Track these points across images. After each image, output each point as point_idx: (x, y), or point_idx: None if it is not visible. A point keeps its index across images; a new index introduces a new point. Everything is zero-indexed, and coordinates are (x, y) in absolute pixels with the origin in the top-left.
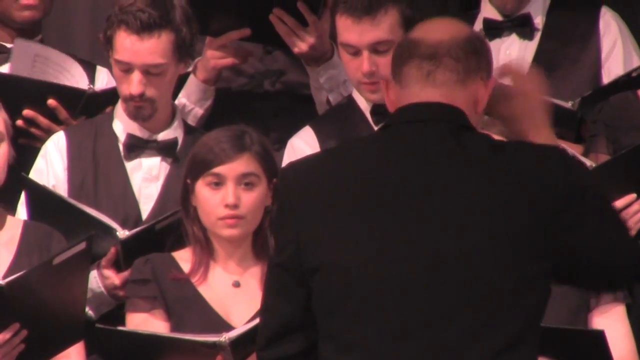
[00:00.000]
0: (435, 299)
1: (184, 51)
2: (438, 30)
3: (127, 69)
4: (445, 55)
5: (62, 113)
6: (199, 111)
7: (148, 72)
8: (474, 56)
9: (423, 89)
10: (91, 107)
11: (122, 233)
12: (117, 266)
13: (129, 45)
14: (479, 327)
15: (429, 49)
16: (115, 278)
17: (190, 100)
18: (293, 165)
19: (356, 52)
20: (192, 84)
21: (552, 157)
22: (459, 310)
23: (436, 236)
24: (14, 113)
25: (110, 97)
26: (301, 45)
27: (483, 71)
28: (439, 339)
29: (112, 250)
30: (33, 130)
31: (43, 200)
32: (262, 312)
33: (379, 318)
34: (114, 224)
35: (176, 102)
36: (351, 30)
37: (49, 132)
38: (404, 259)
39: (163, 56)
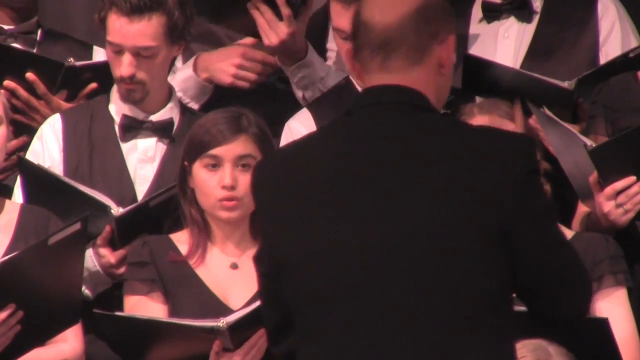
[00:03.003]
0: (394, 284)
1: (176, 34)
2: (386, 8)
3: (118, 50)
4: (394, 42)
5: (40, 87)
6: (194, 106)
7: (139, 54)
8: (426, 28)
9: (378, 77)
10: (72, 81)
11: (117, 210)
12: (113, 244)
13: (119, 27)
14: (437, 311)
15: (378, 37)
16: (110, 256)
17: (187, 95)
18: (263, 159)
19: (347, 37)
20: (191, 81)
21: (519, 145)
22: (418, 293)
23: (392, 220)
24: None
25: (92, 72)
26: (272, 38)
27: (440, 34)
28: (399, 325)
29: (107, 228)
30: (14, 101)
31: (38, 181)
32: (262, 310)
33: (343, 308)
34: (108, 202)
35: None
36: (342, 16)
37: (27, 105)
38: (362, 246)
39: (153, 39)
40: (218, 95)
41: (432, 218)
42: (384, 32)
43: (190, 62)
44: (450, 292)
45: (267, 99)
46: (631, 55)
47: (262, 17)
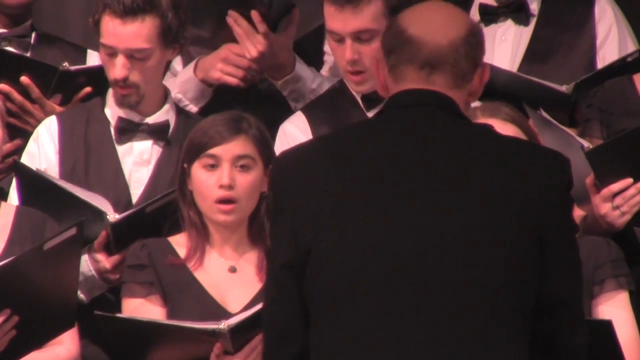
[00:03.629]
0: (430, 281)
1: (170, 37)
2: (437, 29)
3: (112, 52)
4: (445, 63)
5: (35, 91)
6: (193, 108)
7: (132, 56)
8: (470, 56)
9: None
10: (66, 86)
11: (112, 216)
12: (108, 250)
13: (112, 29)
14: (469, 310)
15: (429, 55)
16: (106, 262)
17: (187, 97)
18: (287, 152)
19: (340, 39)
20: (191, 82)
21: (560, 161)
22: (453, 291)
23: (433, 219)
24: None
25: (87, 76)
26: (251, 50)
27: (478, 66)
28: (431, 321)
29: (103, 233)
30: (8, 105)
31: (34, 184)
32: (267, 311)
33: (375, 300)
34: (104, 207)
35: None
36: (335, 18)
37: (22, 109)
38: (401, 242)
39: (147, 41)
40: (218, 100)
41: (469, 218)
42: (436, 52)
43: (192, 64)
44: (486, 294)
45: (266, 103)
46: (629, 59)
47: (240, 29)
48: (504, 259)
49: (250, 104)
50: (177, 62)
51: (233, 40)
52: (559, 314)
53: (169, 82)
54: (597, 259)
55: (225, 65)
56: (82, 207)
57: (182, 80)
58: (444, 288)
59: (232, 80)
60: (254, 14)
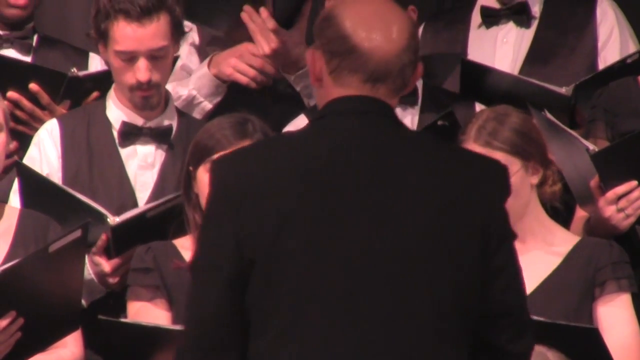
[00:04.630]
0: (373, 290)
1: (180, 31)
2: (383, 39)
3: (131, 58)
4: (391, 74)
5: (44, 98)
6: (207, 105)
7: (152, 56)
8: (414, 62)
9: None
10: (75, 91)
11: (113, 220)
12: (107, 253)
13: (132, 34)
14: (413, 319)
15: (376, 67)
16: (105, 265)
17: (201, 93)
18: (227, 157)
19: None
20: (205, 78)
21: (493, 172)
22: (395, 303)
23: (377, 230)
24: None
25: (95, 81)
26: (264, 47)
27: (415, 70)
28: (374, 328)
29: (103, 236)
30: (18, 113)
31: (36, 187)
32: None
33: (321, 308)
34: (104, 210)
35: (186, 92)
36: None
37: (32, 116)
38: (345, 253)
39: (165, 38)
40: (226, 102)
41: (412, 226)
42: (383, 64)
43: (206, 60)
44: (430, 302)
45: (274, 105)
46: (629, 61)
47: (254, 25)
48: (447, 267)
49: (266, 104)
50: (193, 63)
51: (248, 39)
52: (504, 323)
53: (183, 81)
54: (598, 261)
55: (238, 62)
56: (84, 210)
57: (196, 76)
58: (387, 296)
59: (243, 79)
60: (263, 11)
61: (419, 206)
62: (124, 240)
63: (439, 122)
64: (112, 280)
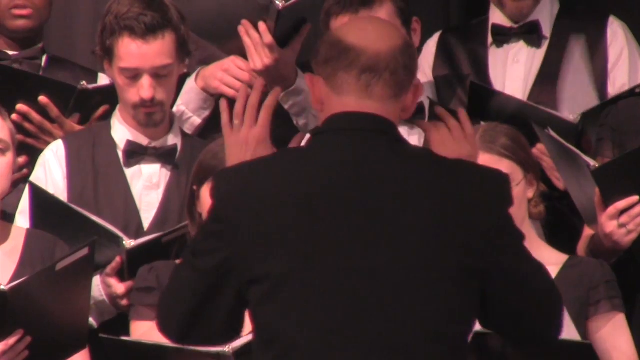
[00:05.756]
0: (370, 308)
1: (185, 50)
2: (375, 38)
3: (135, 75)
4: (385, 70)
5: (54, 111)
6: (196, 120)
7: (157, 74)
8: (408, 67)
9: (360, 101)
10: (84, 104)
11: (129, 243)
12: (120, 275)
13: (136, 50)
14: (405, 337)
15: (369, 60)
16: (118, 287)
17: (189, 108)
18: (226, 173)
19: None
20: (192, 92)
21: (497, 183)
22: (389, 317)
23: (374, 247)
24: (8, 107)
25: (103, 95)
26: (257, 62)
27: (413, 79)
28: (373, 345)
29: (118, 259)
30: (27, 125)
31: (47, 207)
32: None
33: (319, 323)
34: (120, 233)
35: (174, 108)
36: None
37: (41, 129)
38: (342, 267)
39: (169, 56)
40: (217, 118)
41: (409, 247)
42: (376, 57)
43: (194, 74)
44: (425, 319)
45: (275, 122)
46: (637, 90)
47: (249, 40)
48: (446, 283)
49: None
50: None
51: (240, 52)
52: (527, 322)
53: None
54: (591, 280)
55: (224, 75)
56: (98, 232)
57: (184, 91)
58: (386, 314)
59: (229, 92)
60: (261, 24)
61: (417, 222)
62: (137, 263)
63: None
64: (124, 302)
